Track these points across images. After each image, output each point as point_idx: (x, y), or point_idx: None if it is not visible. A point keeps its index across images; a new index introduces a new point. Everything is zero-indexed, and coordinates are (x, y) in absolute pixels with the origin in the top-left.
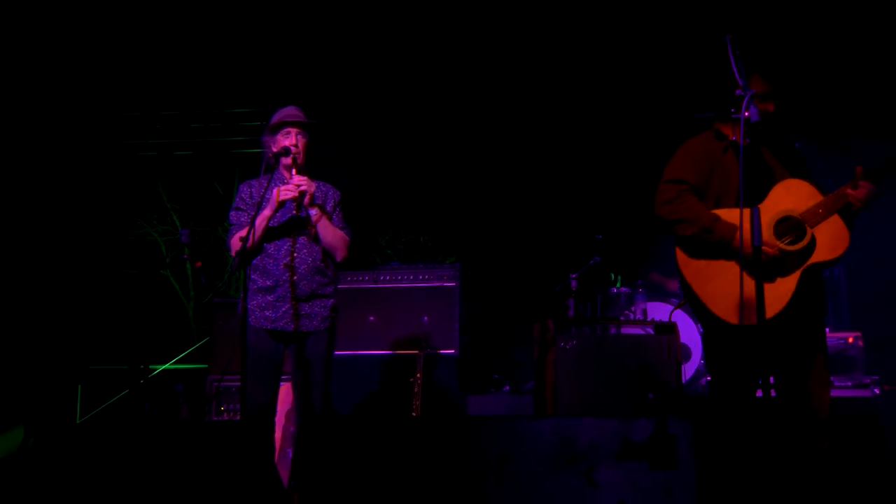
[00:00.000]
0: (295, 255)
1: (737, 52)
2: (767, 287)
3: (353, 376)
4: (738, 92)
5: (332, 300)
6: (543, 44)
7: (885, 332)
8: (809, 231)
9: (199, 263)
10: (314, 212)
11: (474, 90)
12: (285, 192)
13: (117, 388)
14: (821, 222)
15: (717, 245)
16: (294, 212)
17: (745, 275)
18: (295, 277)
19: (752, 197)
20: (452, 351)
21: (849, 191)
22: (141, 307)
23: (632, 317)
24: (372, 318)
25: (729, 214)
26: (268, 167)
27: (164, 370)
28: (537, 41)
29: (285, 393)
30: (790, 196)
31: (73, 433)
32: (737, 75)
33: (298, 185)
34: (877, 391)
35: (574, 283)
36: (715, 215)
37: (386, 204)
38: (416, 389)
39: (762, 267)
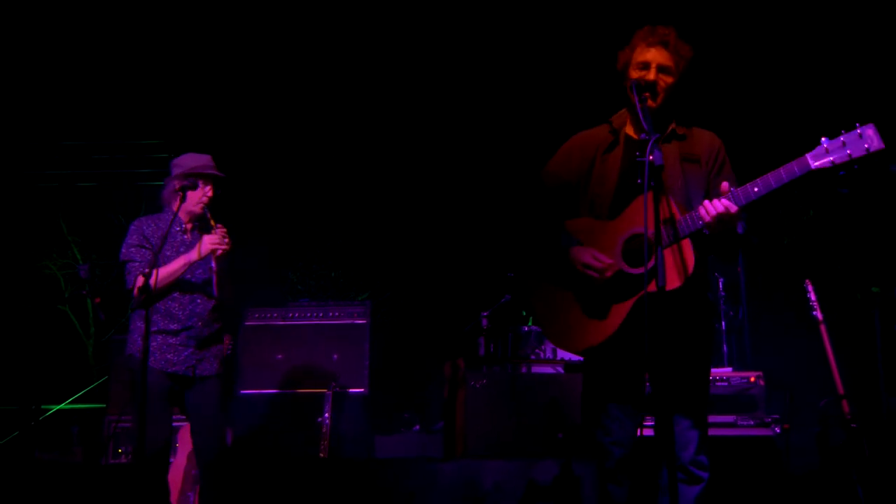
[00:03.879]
0: (199, 300)
1: (643, 95)
2: (596, 312)
3: (259, 415)
4: (641, 136)
5: (227, 345)
6: (449, 75)
7: (783, 372)
8: (656, 253)
9: (98, 299)
10: (222, 268)
11: (388, 122)
12: (212, 244)
13: (6, 429)
14: (670, 245)
15: (557, 260)
16: (213, 265)
17: (572, 296)
18: (199, 324)
19: (620, 205)
20: (362, 390)
21: (700, 210)
22: (36, 344)
23: (542, 355)
24: (280, 356)
25: (578, 225)
26: (161, 205)
27: (58, 410)
28: (443, 72)
29: (187, 435)
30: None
31: None
32: (641, 119)
33: (224, 237)
34: (777, 430)
35: (485, 322)
36: (562, 224)
37: (297, 238)
38: (323, 430)
39: (595, 289)
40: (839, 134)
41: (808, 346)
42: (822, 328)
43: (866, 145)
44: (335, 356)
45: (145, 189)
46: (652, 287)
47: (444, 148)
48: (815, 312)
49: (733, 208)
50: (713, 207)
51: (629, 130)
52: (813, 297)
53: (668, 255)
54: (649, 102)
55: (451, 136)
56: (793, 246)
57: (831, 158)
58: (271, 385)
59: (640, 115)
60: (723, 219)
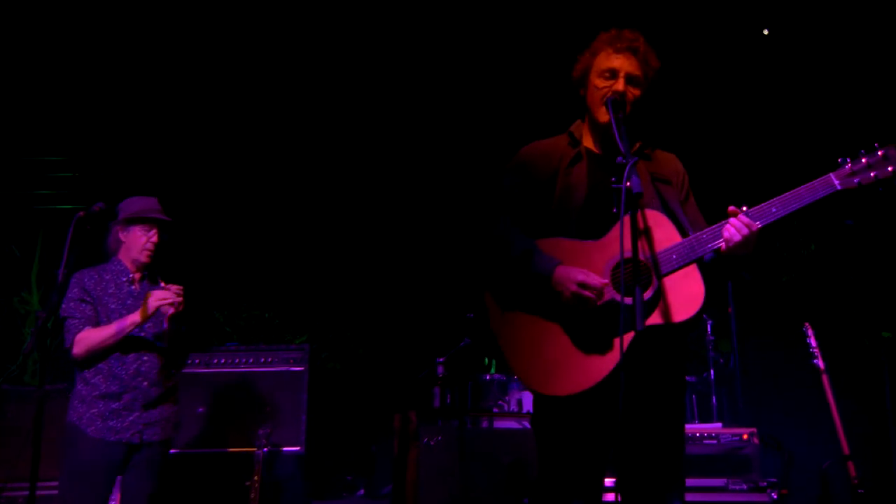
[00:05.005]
0: (146, 358)
1: (619, 114)
2: (590, 347)
3: (177, 479)
4: (619, 159)
5: (176, 406)
6: (389, 99)
7: (780, 428)
8: (655, 281)
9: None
10: (174, 328)
11: (329, 146)
12: (159, 301)
13: None
14: (673, 272)
15: (533, 284)
16: (151, 325)
17: (559, 328)
18: (146, 384)
19: (595, 226)
20: (298, 448)
21: (723, 232)
22: None
23: (505, 408)
24: (201, 409)
25: (553, 246)
26: (105, 253)
27: None
28: (382, 96)
29: None
30: (641, 232)
31: None
32: (618, 140)
33: (178, 294)
34: (774, 495)
35: (440, 369)
36: (534, 243)
37: (224, 272)
38: (252, 495)
39: (585, 319)
40: (859, 155)
41: (809, 398)
42: (825, 378)
43: (891, 168)
44: (267, 409)
45: (47, 214)
46: (651, 320)
47: (394, 175)
48: (816, 360)
49: (755, 225)
50: (735, 227)
51: (588, 144)
52: (814, 342)
53: (673, 285)
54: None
55: (401, 160)
56: (791, 284)
57: (857, 180)
58: (191, 443)
59: (617, 135)
60: (746, 239)
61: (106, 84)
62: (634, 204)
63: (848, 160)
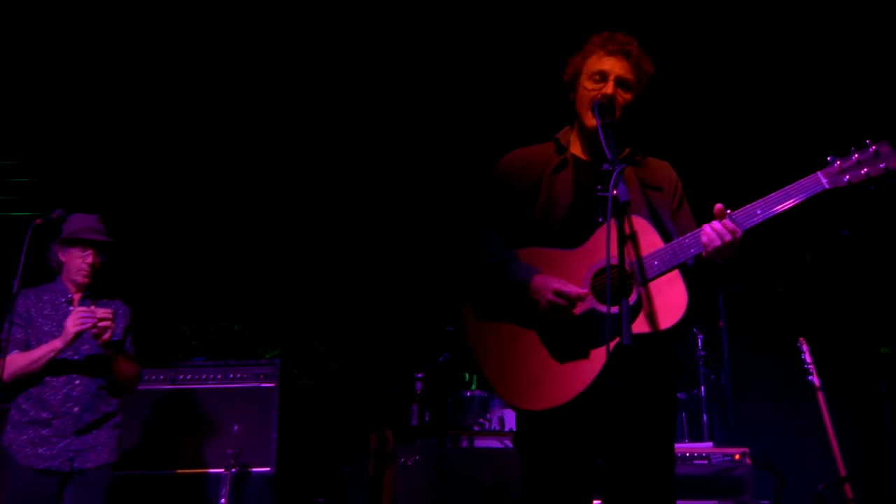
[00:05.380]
0: (77, 382)
1: (606, 119)
2: (569, 357)
3: (140, 502)
4: (605, 167)
5: (118, 430)
6: (368, 109)
7: (774, 448)
8: (636, 289)
9: None
10: (110, 351)
11: (303, 152)
12: (75, 326)
13: None
14: (655, 278)
15: (510, 294)
16: (84, 347)
17: (537, 340)
18: (76, 409)
19: (580, 236)
20: (268, 469)
21: (701, 236)
22: None
23: (487, 426)
24: (166, 428)
25: (532, 255)
26: (49, 271)
27: None
28: (356, 102)
29: None
30: (624, 238)
31: None
32: (604, 145)
33: (102, 319)
34: None
35: (419, 385)
36: (513, 253)
37: (192, 282)
38: None
39: (564, 329)
40: (849, 152)
41: (804, 417)
42: (820, 396)
43: (883, 164)
44: (235, 427)
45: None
46: (634, 328)
47: (370, 182)
48: (811, 377)
49: (738, 231)
50: (715, 230)
51: (576, 150)
52: (808, 358)
53: (654, 292)
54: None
55: (377, 167)
56: (785, 297)
57: (847, 178)
58: (155, 464)
59: (603, 141)
60: (726, 245)
61: (68, 83)
62: (621, 213)
63: (837, 158)
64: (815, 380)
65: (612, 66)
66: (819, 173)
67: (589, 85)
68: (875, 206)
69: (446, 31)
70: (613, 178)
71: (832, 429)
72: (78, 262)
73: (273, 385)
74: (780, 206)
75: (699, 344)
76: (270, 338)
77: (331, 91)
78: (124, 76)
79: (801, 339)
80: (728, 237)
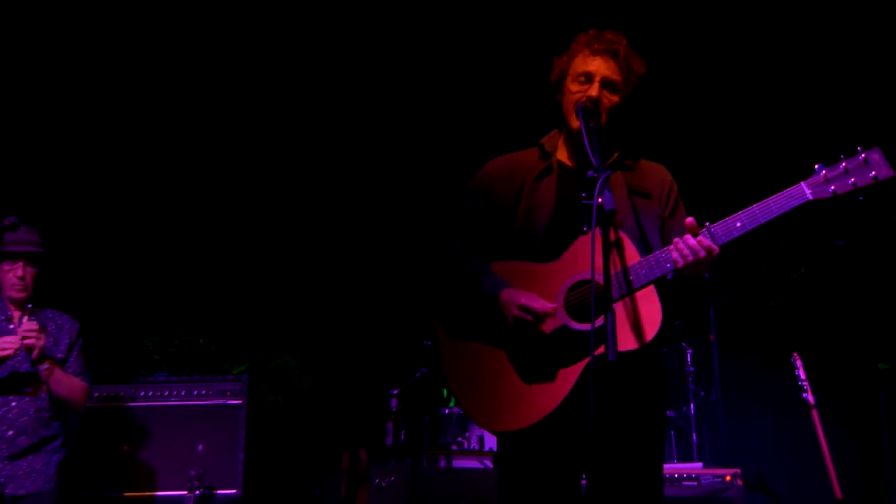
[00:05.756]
0: (14, 404)
1: (590, 123)
2: (537, 377)
3: None
4: (590, 173)
5: (58, 455)
6: (336, 118)
7: (766, 468)
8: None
9: None
10: (44, 367)
11: (272, 154)
12: (6, 345)
13: None
14: (629, 294)
15: (481, 308)
16: (18, 366)
17: (506, 357)
18: (10, 432)
19: (558, 245)
20: (234, 491)
21: (672, 252)
22: None
23: (466, 445)
24: (126, 448)
25: (506, 269)
26: None
27: None
28: (323, 110)
29: None
30: (599, 252)
31: None
32: (588, 151)
33: (25, 338)
34: None
35: (394, 402)
36: (486, 266)
37: (154, 293)
38: None
39: (534, 347)
40: (838, 160)
41: (798, 436)
42: (815, 414)
43: (873, 173)
44: (200, 447)
45: None
46: (600, 350)
47: (344, 190)
48: (805, 394)
49: (715, 250)
50: (688, 247)
51: (562, 156)
52: (802, 374)
53: (625, 308)
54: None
55: (350, 175)
56: (779, 310)
57: (832, 188)
58: (114, 486)
59: (588, 146)
60: (700, 261)
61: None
62: (607, 222)
63: (821, 167)
64: (810, 397)
65: (598, 66)
66: (803, 183)
67: (574, 87)
68: (872, 216)
69: (420, 34)
70: (598, 185)
71: (828, 448)
72: (10, 277)
73: (240, 402)
74: (760, 220)
75: (688, 359)
76: (238, 352)
77: (299, 103)
78: (82, 74)
79: (795, 354)
80: (702, 253)
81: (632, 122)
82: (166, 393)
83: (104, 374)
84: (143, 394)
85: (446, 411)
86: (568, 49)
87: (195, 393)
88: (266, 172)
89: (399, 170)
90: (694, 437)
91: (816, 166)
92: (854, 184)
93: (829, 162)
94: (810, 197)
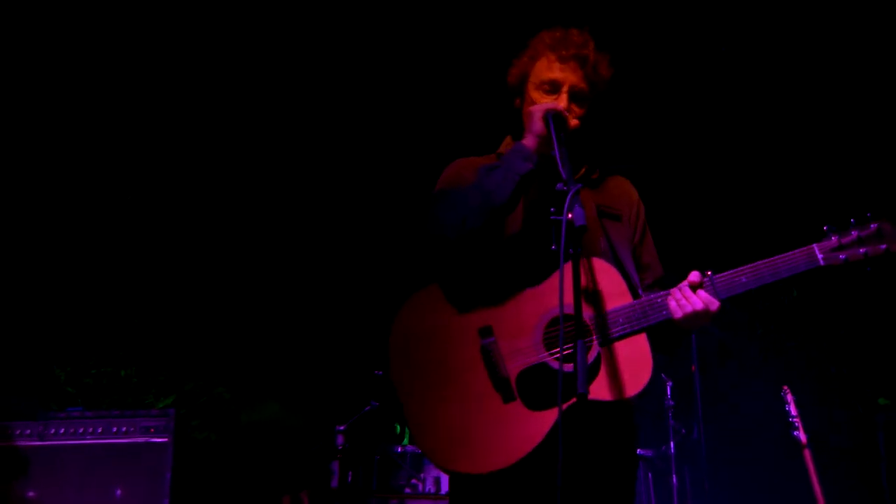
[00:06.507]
0: None
1: (561, 133)
2: (506, 416)
3: None
4: (559, 186)
5: None
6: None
7: None
8: (597, 347)
9: None
10: None
11: (216, 167)
12: None
13: None
14: (620, 338)
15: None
16: None
17: (476, 386)
18: None
19: (526, 266)
20: None
21: (670, 301)
22: None
23: (420, 488)
24: (32, 494)
25: (477, 288)
26: None
27: None
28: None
29: None
30: (585, 285)
31: None
32: (559, 163)
33: None
34: None
35: (340, 439)
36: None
37: (68, 317)
38: None
39: (506, 380)
40: (849, 225)
41: (788, 477)
42: (807, 454)
43: (884, 245)
44: (118, 491)
45: None
46: (596, 394)
47: (288, 197)
48: (796, 432)
49: (714, 305)
50: (689, 302)
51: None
52: (794, 410)
53: (611, 353)
54: None
55: (293, 181)
56: (768, 337)
57: (844, 256)
58: None
59: (558, 157)
60: (699, 315)
61: None
62: (577, 240)
63: (834, 233)
64: (802, 435)
65: (566, 75)
66: (815, 247)
67: (537, 95)
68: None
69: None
70: (568, 199)
71: (821, 490)
72: None
73: (166, 440)
74: (766, 280)
75: (668, 392)
76: (164, 384)
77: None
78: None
79: (786, 387)
80: (700, 307)
81: (597, 131)
82: (80, 430)
83: (8, 409)
84: (53, 431)
85: (399, 449)
86: (528, 48)
87: (114, 430)
88: (194, 187)
89: (343, 179)
90: (674, 479)
91: (826, 227)
92: (865, 254)
93: (839, 226)
94: (822, 263)
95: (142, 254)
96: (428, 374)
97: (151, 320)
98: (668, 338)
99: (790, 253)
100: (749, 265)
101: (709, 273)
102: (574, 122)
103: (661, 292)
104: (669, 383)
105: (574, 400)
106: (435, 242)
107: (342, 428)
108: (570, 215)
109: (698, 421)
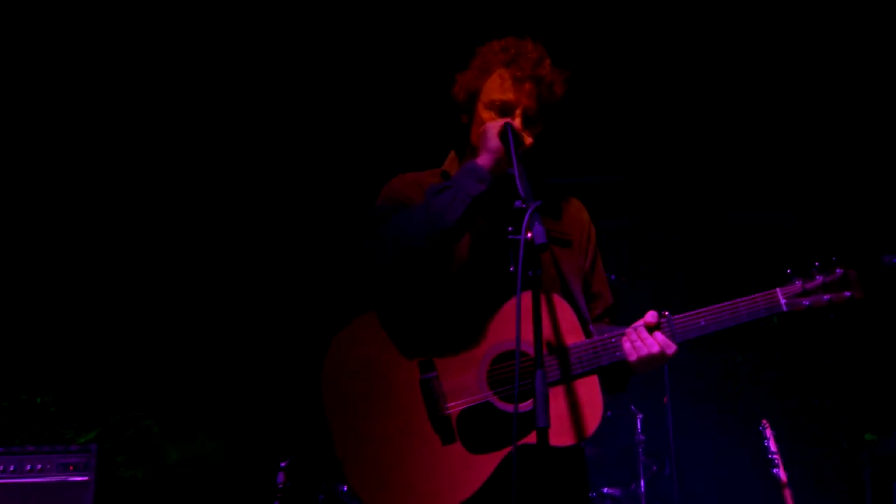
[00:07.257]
0: None
1: (520, 149)
2: (440, 464)
3: None
4: (517, 203)
5: None
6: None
7: None
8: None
9: None
10: None
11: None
12: None
13: None
14: (572, 379)
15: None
16: None
17: (415, 424)
18: None
19: (476, 292)
20: None
21: (624, 343)
22: None
23: None
24: None
25: (419, 321)
26: None
27: None
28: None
29: None
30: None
31: None
32: (517, 180)
33: None
34: None
35: (281, 477)
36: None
37: None
38: None
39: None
40: (812, 269)
41: None
42: (787, 494)
43: (848, 293)
44: None
45: None
46: (529, 438)
47: (221, 205)
48: (776, 470)
49: (671, 348)
50: (644, 345)
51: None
52: (773, 446)
53: (560, 394)
54: None
55: (230, 183)
56: (747, 366)
57: (807, 302)
58: None
59: (516, 173)
60: (654, 357)
61: None
62: (537, 261)
63: (798, 277)
64: (782, 473)
65: (519, 97)
66: (778, 291)
67: (488, 116)
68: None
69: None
70: (527, 217)
71: None
72: None
73: (87, 478)
74: (726, 324)
75: (638, 425)
76: (86, 415)
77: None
78: None
79: (765, 421)
80: (656, 350)
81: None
82: None
83: None
84: None
85: (345, 488)
86: (476, 57)
87: (28, 468)
88: (118, 203)
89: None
90: None
91: (788, 271)
92: (830, 301)
93: (803, 270)
94: (784, 309)
95: (62, 266)
96: (361, 410)
97: (73, 342)
98: (616, 378)
99: (752, 297)
100: (708, 308)
101: (666, 313)
102: (529, 140)
103: (616, 331)
104: (640, 416)
105: (526, 440)
106: (375, 265)
107: (284, 464)
108: (529, 234)
109: (670, 456)
